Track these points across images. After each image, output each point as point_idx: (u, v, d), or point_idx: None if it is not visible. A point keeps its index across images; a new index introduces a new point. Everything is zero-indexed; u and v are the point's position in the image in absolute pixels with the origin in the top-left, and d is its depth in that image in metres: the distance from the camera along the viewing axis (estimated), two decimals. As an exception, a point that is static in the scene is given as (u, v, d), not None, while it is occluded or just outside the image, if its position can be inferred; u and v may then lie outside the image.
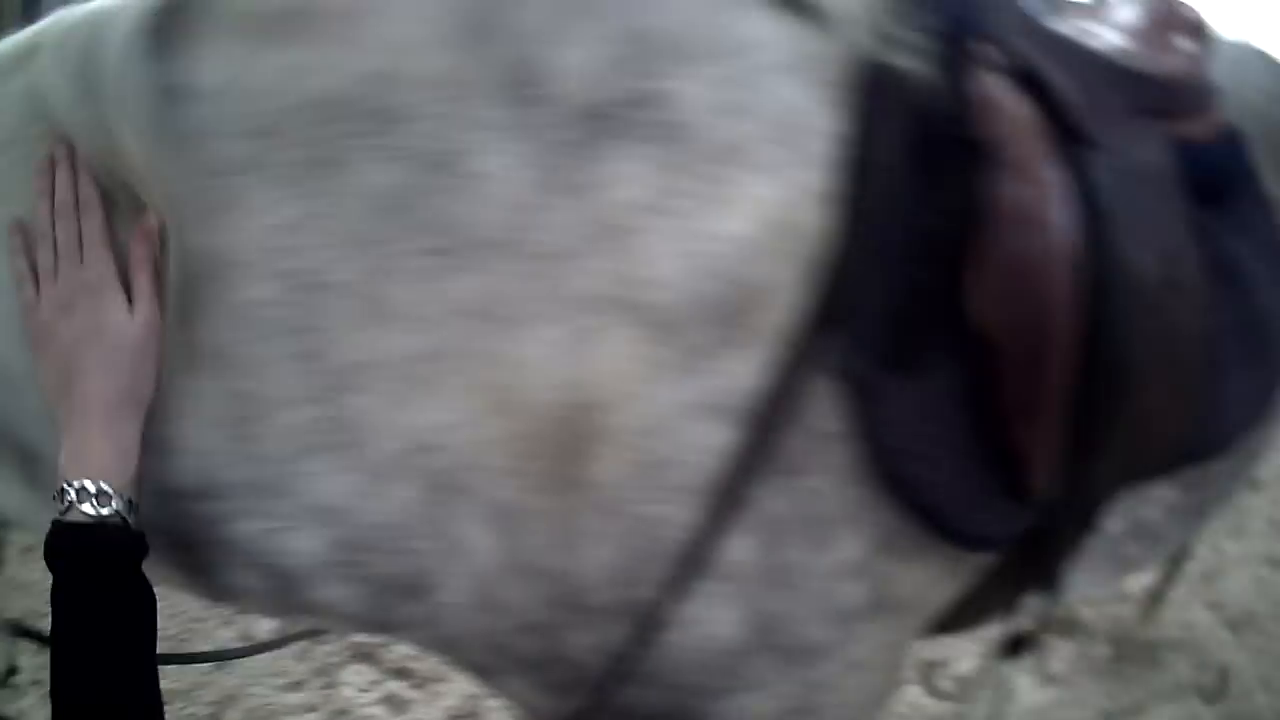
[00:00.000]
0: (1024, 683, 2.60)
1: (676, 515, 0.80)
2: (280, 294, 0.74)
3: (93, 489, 0.70)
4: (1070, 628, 2.78)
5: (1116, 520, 1.16)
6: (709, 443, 0.80)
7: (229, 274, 0.73)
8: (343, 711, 2.32)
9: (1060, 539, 1.04)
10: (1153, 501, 1.23)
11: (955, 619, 1.13)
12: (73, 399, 0.73)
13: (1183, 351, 1.09)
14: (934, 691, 2.53)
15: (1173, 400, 1.08)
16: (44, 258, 0.76)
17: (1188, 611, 2.93)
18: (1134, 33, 1.27)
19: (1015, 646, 1.16)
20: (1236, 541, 3.19)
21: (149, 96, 0.72)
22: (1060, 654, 2.73)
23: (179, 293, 0.76)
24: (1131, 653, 2.76)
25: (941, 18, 0.92)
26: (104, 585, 0.70)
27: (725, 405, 0.80)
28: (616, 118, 0.76)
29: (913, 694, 2.51)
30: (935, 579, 0.98)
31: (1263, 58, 1.64)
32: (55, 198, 0.75)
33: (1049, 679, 2.66)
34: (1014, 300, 0.89)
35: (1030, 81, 0.98)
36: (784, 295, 0.81)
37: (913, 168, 0.85)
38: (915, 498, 0.87)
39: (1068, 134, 0.99)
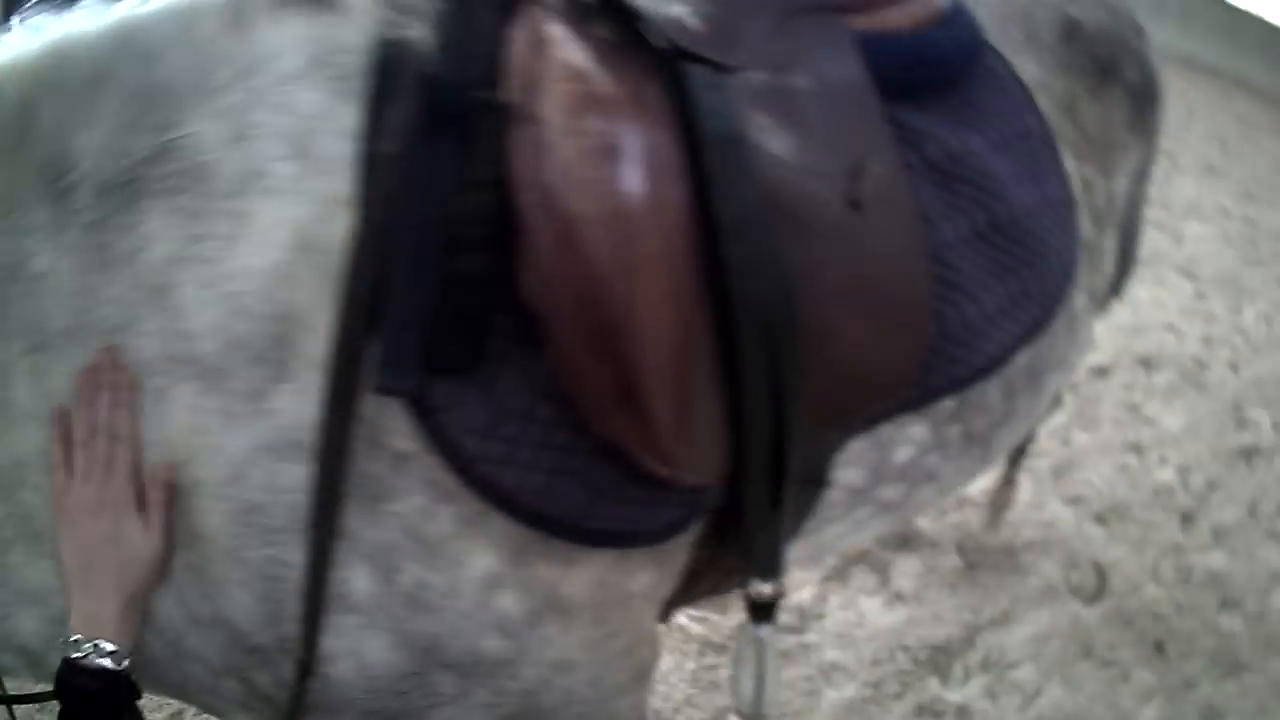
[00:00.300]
0: (870, 605, 2.24)
1: (285, 556, 0.82)
2: None
3: (108, 648, 0.81)
4: (910, 542, 2.42)
5: (853, 471, 1.10)
6: (287, 482, 0.81)
7: None
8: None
9: (756, 509, 0.98)
10: (902, 442, 1.14)
11: (692, 593, 1.11)
12: (90, 585, 0.82)
13: (884, 278, 1.02)
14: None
15: (878, 335, 1.01)
16: (81, 460, 0.83)
17: (1044, 510, 2.60)
18: None
19: (760, 611, 1.07)
20: (1089, 432, 2.80)
21: None
22: (905, 570, 2.36)
23: None
24: (987, 560, 2.42)
25: None
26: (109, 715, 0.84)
27: (292, 442, 0.80)
28: (142, 178, 0.78)
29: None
30: (626, 572, 0.95)
31: None
32: (97, 415, 0.81)
33: (896, 598, 2.28)
34: (563, 275, 0.83)
35: (613, 10, 0.95)
36: (321, 318, 0.80)
37: (434, 148, 0.82)
38: (511, 506, 0.85)
39: (666, 62, 0.95)
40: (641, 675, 1.08)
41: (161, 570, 0.85)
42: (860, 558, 2.28)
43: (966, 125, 1.20)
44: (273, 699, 0.90)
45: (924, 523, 2.42)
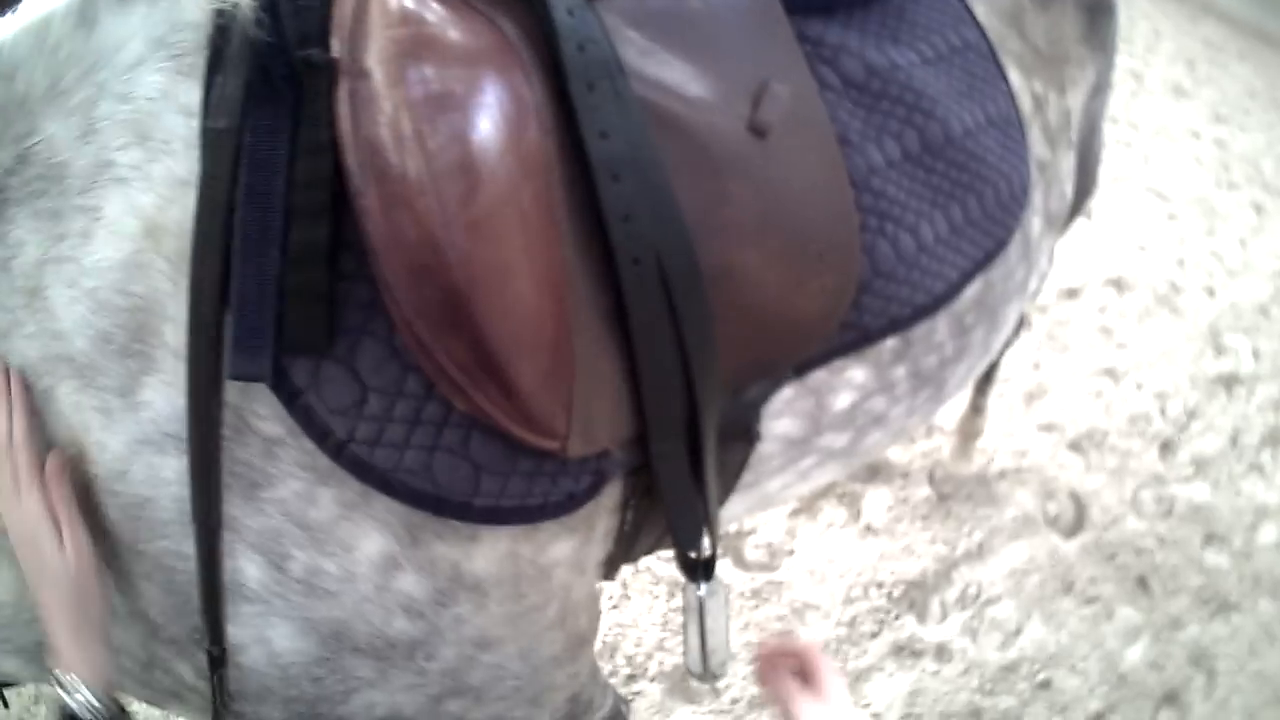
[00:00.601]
0: (842, 539, 2.11)
1: (178, 547, 0.81)
2: None
3: (81, 692, 0.79)
4: (881, 473, 2.29)
5: (787, 421, 1.03)
6: (168, 475, 0.79)
7: None
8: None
9: (669, 474, 0.91)
10: (841, 388, 1.06)
11: (634, 550, 1.04)
12: (44, 617, 0.81)
13: (798, 211, 0.93)
14: (743, 564, 2.05)
15: (797, 275, 0.93)
16: (3, 483, 0.83)
17: (1017, 438, 2.47)
18: None
19: (696, 569, 1.01)
20: (1060, 356, 2.66)
21: None
22: (876, 502, 2.24)
23: None
24: (960, 491, 2.29)
25: None
26: None
27: (166, 434, 0.78)
28: (7, 188, 0.79)
29: (723, 567, 1.98)
30: (539, 544, 0.90)
31: None
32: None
33: (868, 530, 2.15)
34: (394, 240, 0.76)
35: None
36: (178, 305, 0.77)
37: (267, 116, 0.77)
38: (389, 488, 0.80)
39: None
40: (579, 643, 1.02)
41: (92, 588, 0.83)
42: (829, 490, 2.13)
43: (892, 39, 1.11)
44: (199, 689, 0.89)
45: (893, 452, 2.28)
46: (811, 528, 2.08)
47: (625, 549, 1.02)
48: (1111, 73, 1.54)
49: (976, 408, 2.22)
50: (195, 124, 0.79)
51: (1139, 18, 5.09)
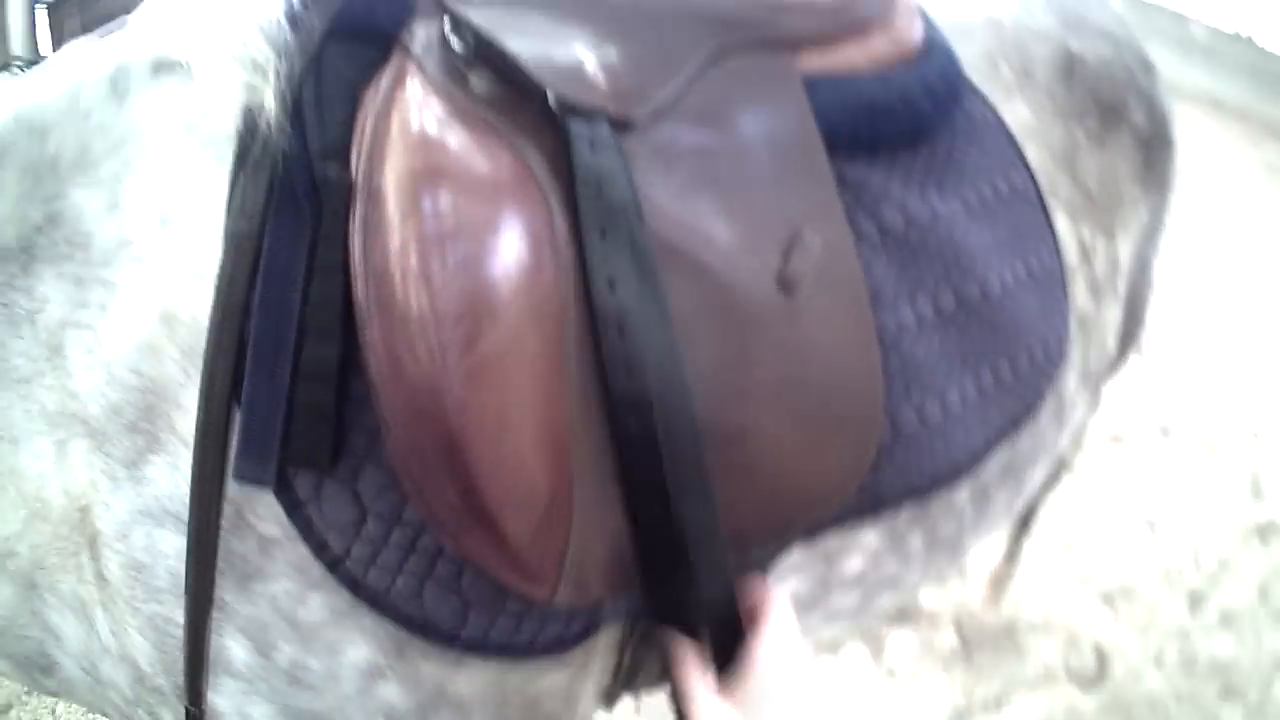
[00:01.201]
0: (860, 677, 2.21)
1: (171, 614, 0.82)
2: None
3: None
4: (909, 616, 2.37)
5: (795, 581, 1.01)
6: (166, 549, 0.81)
7: None
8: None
9: (665, 622, 0.88)
10: (853, 551, 1.03)
11: (635, 683, 1.03)
12: None
13: (822, 372, 0.89)
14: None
15: (815, 439, 0.90)
16: None
17: (1048, 588, 2.53)
18: None
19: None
20: (1101, 505, 2.74)
21: None
22: (899, 645, 2.32)
23: None
24: (985, 639, 2.36)
25: (338, 13, 0.85)
26: None
27: (166, 511, 0.80)
28: (37, 244, 0.81)
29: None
30: (527, 676, 0.89)
31: None
32: None
33: (890, 673, 2.24)
34: (394, 378, 0.76)
35: (491, 59, 0.85)
36: (188, 395, 0.79)
37: (285, 227, 0.78)
38: (380, 607, 0.80)
39: (552, 120, 0.84)
40: None
41: None
42: (855, 630, 2.25)
43: (937, 186, 1.05)
44: None
45: (922, 595, 2.36)
46: (832, 664, 2.19)
47: (624, 683, 1.01)
48: (1166, 211, 1.45)
49: (1010, 556, 2.28)
50: (216, 217, 0.79)
51: (1198, 139, 5.09)
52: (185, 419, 0.79)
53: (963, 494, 1.08)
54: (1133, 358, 1.61)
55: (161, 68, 0.84)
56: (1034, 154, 1.17)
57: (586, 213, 0.80)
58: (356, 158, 0.79)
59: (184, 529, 0.79)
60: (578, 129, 0.82)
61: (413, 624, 0.81)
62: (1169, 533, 2.72)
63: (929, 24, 1.13)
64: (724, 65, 0.95)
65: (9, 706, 1.92)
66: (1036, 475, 1.20)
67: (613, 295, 0.79)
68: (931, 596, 2.38)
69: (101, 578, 0.83)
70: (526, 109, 0.84)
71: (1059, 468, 1.84)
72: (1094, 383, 1.28)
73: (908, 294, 0.99)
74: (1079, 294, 1.18)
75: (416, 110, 0.81)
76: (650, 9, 0.96)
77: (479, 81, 0.84)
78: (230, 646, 0.82)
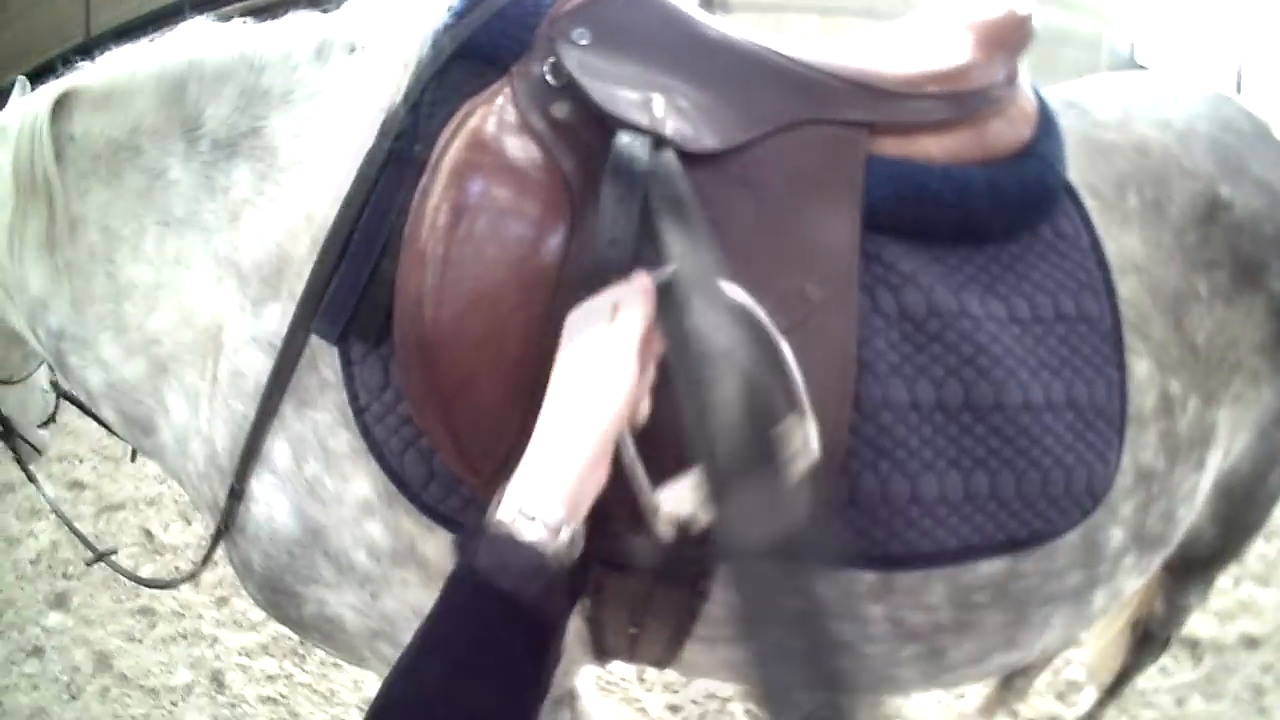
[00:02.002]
0: None
1: (247, 413, 1.08)
2: (87, 256, 1.18)
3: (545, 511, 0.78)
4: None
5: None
6: (260, 366, 1.07)
7: (109, 242, 1.17)
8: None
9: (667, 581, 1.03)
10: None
11: (605, 641, 1.16)
12: (547, 443, 0.84)
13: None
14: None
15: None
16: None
17: None
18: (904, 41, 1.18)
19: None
20: (1208, 702, 2.76)
21: None
22: None
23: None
24: None
25: (473, 32, 1.08)
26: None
27: (270, 342, 1.07)
28: (239, 144, 1.12)
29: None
30: None
31: (1216, 101, 1.35)
32: None
33: None
34: (404, 288, 0.99)
35: (570, 94, 1.02)
36: (300, 267, 1.06)
37: (393, 179, 1.03)
38: (377, 456, 1.03)
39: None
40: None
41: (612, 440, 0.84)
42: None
43: (985, 287, 1.06)
44: (219, 509, 1.15)
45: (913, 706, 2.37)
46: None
47: (596, 633, 1.14)
48: None
49: (999, 698, 2.26)
50: (357, 162, 1.05)
51: None
52: (299, 283, 1.06)
53: (936, 590, 1.08)
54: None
55: (354, 48, 1.13)
56: (1131, 288, 1.14)
57: (607, 188, 0.96)
58: (440, 144, 1.01)
59: (270, 354, 1.07)
60: (624, 138, 0.97)
61: (393, 475, 1.03)
62: None
63: (1047, 131, 1.15)
64: (795, 134, 1.05)
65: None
66: (1052, 618, 1.17)
67: (610, 248, 0.94)
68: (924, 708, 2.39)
69: (214, 377, 1.11)
70: (592, 132, 1.01)
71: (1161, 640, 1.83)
72: (1152, 550, 1.22)
73: (909, 375, 1.01)
74: (1147, 446, 1.13)
75: (489, 120, 1.02)
76: (744, 69, 1.09)
77: (560, 107, 1.03)
78: (277, 448, 1.08)
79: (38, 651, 2.75)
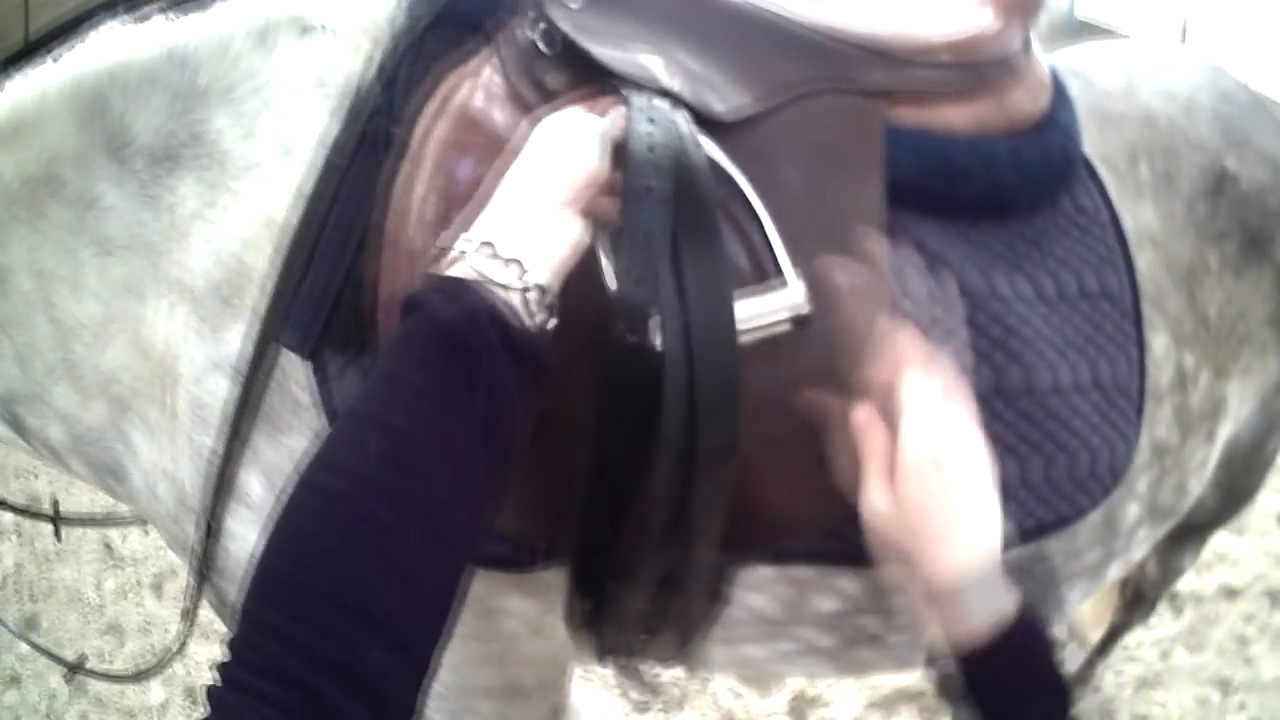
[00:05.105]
0: None
1: (214, 445, 0.99)
2: (24, 307, 1.04)
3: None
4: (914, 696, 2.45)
5: (761, 598, 1.03)
6: (221, 394, 0.98)
7: (44, 285, 1.03)
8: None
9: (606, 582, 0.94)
10: (825, 590, 1.04)
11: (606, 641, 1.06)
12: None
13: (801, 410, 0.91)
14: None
15: (789, 466, 0.93)
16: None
17: None
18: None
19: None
20: (1192, 654, 2.82)
21: None
22: None
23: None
24: None
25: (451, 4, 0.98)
26: None
27: (229, 365, 0.97)
28: (180, 154, 0.98)
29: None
30: (485, 587, 0.97)
31: (1213, 72, 1.33)
32: None
33: None
34: (388, 284, 0.92)
35: (570, 55, 0.94)
36: (264, 280, 0.95)
37: (365, 167, 0.94)
38: None
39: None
40: (515, 692, 1.08)
41: None
42: (910, 695, 2.37)
43: (1012, 265, 1.03)
44: (189, 551, 1.07)
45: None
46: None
47: (598, 637, 1.04)
48: None
49: (1083, 677, 2.29)
50: (323, 153, 0.94)
51: None
52: (255, 298, 0.95)
53: None
54: None
55: (305, 29, 1.00)
56: (1148, 262, 1.12)
57: (634, 166, 0.82)
58: (423, 124, 0.93)
59: (234, 380, 0.96)
60: (638, 101, 0.88)
61: None
62: (1237, 700, 2.72)
63: (1061, 102, 1.11)
64: (811, 103, 0.98)
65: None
66: (1070, 597, 1.17)
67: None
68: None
69: (174, 411, 1.00)
70: (596, 99, 0.91)
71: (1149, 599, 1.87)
72: (1161, 522, 1.21)
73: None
74: (1161, 421, 1.12)
75: (475, 93, 0.94)
76: (751, 32, 1.00)
77: (554, 76, 0.94)
78: (250, 481, 0.99)
79: (15, 681, 2.69)
